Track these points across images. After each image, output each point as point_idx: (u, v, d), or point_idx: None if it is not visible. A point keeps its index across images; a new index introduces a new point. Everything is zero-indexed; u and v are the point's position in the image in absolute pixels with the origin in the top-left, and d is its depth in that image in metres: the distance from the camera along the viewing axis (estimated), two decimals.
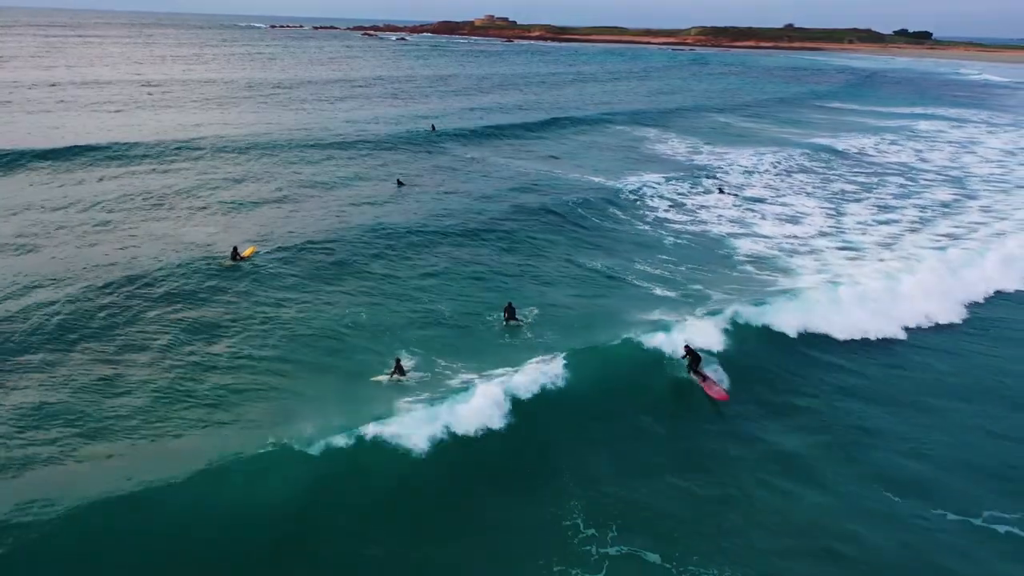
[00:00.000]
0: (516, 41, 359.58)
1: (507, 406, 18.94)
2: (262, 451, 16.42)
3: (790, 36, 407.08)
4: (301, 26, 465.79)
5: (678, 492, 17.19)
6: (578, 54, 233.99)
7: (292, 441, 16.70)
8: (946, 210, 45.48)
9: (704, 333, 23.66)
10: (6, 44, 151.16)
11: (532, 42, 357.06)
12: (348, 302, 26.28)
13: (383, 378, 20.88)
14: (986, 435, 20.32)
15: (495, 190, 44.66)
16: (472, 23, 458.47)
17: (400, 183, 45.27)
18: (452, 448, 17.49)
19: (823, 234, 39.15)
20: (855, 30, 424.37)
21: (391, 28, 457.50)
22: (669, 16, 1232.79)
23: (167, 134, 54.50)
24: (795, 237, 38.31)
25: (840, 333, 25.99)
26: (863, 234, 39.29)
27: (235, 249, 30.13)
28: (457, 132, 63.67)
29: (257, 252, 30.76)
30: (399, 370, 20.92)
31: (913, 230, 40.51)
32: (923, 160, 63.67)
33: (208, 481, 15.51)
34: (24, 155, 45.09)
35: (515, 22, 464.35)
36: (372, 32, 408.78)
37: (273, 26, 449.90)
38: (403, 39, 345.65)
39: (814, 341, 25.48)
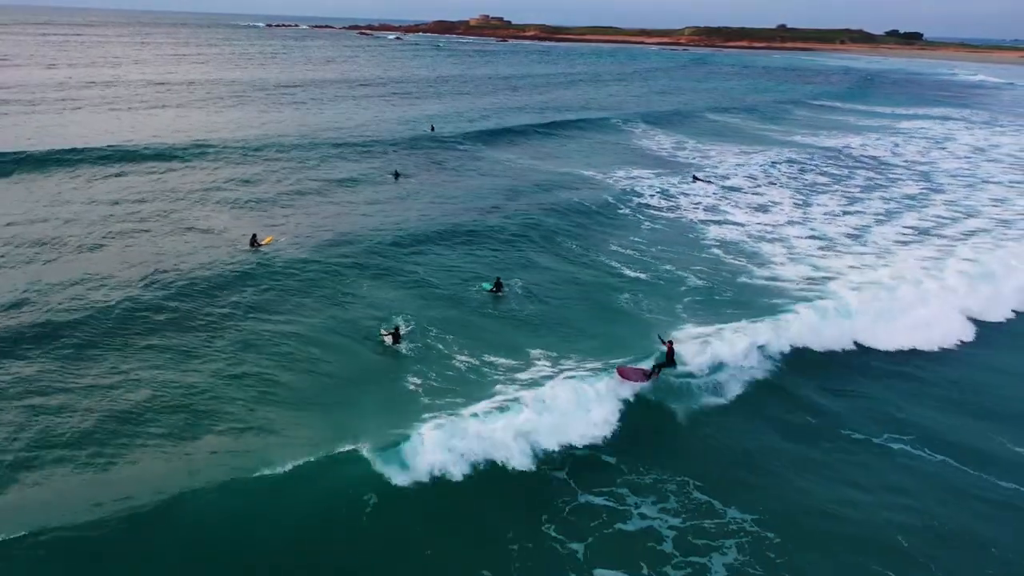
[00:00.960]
0: (511, 41, 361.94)
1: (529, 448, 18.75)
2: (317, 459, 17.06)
3: (783, 36, 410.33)
4: (297, 25, 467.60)
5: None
6: (575, 54, 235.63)
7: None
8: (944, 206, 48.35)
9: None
10: (3, 43, 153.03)
11: (527, 42, 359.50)
12: (356, 276, 28.94)
13: (386, 337, 23.61)
14: None
15: (490, 183, 47.45)
16: (467, 23, 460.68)
17: (397, 175, 47.94)
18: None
19: (792, 223, 41.97)
20: (847, 31, 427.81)
21: (386, 27, 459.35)
22: (663, 16, 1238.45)
23: (180, 135, 56.00)
24: (766, 225, 41.12)
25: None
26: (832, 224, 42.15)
27: (254, 236, 32.54)
28: (455, 132, 65.83)
29: (276, 240, 33.10)
30: (396, 338, 23.63)
31: (880, 222, 43.43)
32: (932, 163, 65.55)
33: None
34: (27, 158, 45.73)
35: (509, 22, 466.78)
36: (368, 31, 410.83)
37: (270, 25, 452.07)
38: (399, 38, 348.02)
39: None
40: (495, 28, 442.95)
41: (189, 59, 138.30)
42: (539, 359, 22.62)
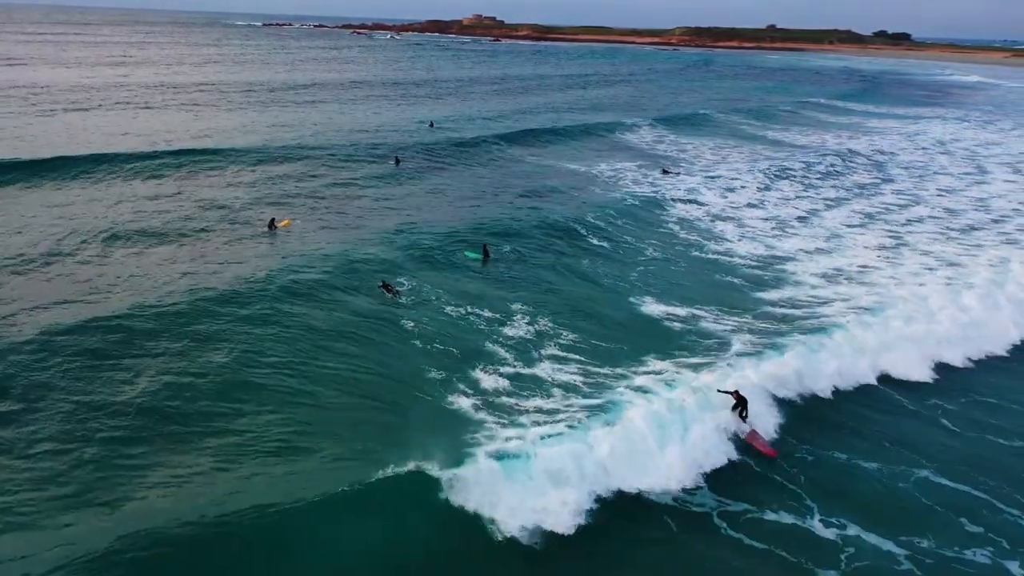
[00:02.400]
0: (504, 40, 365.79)
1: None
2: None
3: (772, 37, 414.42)
4: (291, 24, 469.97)
5: None
6: (575, 55, 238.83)
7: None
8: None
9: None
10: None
11: (519, 41, 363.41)
12: (362, 246, 33.07)
13: (384, 290, 28.00)
14: None
15: (484, 171, 51.81)
16: (460, 22, 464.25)
17: (398, 160, 52.08)
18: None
19: (751, 205, 46.43)
20: (835, 31, 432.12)
21: (380, 27, 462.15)
22: (653, 16, 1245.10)
23: (187, 138, 57.64)
24: (731, 206, 45.55)
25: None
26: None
27: (272, 220, 36.43)
28: (453, 128, 70.04)
29: (293, 222, 36.98)
30: (395, 293, 27.89)
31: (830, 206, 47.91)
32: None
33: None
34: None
35: (502, 21, 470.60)
36: (362, 31, 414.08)
37: (267, 24, 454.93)
38: (393, 37, 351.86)
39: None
40: (488, 28, 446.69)
41: (191, 60, 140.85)
42: (518, 313, 26.85)
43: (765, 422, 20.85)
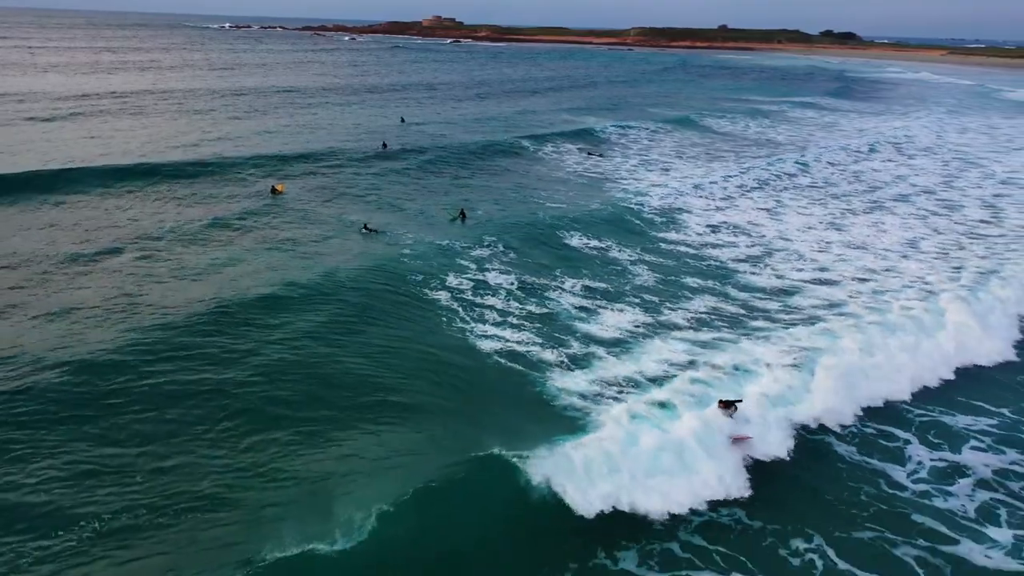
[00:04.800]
0: (464, 41, 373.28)
1: None
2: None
3: (724, 37, 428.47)
4: (250, 26, 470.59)
5: None
6: (545, 56, 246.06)
7: None
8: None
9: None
10: None
11: (479, 42, 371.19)
12: (355, 210, 41.22)
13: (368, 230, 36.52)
14: None
15: (478, 139, 60.20)
16: (420, 23, 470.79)
17: (385, 144, 59.86)
18: None
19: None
20: (784, 31, 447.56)
21: (340, 28, 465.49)
22: (608, 16, 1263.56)
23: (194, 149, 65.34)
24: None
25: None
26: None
27: (273, 187, 44.73)
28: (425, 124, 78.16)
29: (285, 187, 45.21)
30: (373, 231, 36.64)
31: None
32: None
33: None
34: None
35: (461, 23, 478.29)
36: (321, 32, 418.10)
37: (235, 27, 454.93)
38: (353, 39, 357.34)
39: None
40: (448, 29, 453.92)
41: (157, 65, 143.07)
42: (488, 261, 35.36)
43: None
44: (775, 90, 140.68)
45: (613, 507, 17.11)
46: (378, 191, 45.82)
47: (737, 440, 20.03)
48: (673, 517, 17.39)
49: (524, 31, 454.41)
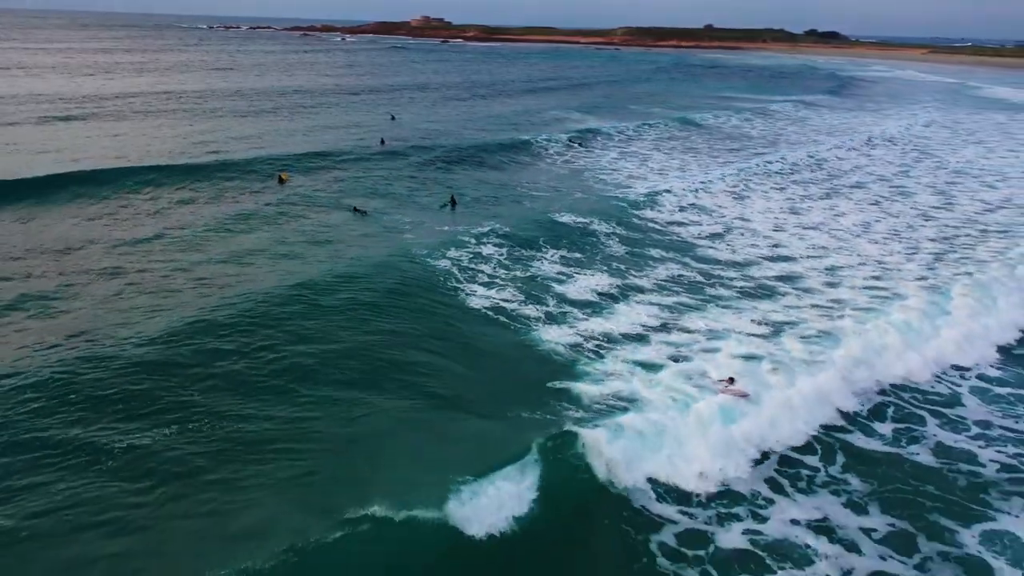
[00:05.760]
0: (453, 41, 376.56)
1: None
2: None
3: (710, 36, 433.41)
4: (239, 27, 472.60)
5: None
6: (528, 55, 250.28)
7: None
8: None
9: None
10: None
11: (468, 42, 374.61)
12: (356, 198, 45.03)
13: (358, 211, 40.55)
14: None
15: (467, 134, 64.03)
16: (409, 24, 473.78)
17: (383, 141, 63.38)
18: None
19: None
20: (769, 30, 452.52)
21: (329, 28, 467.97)
22: (595, 15, 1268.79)
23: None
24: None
25: None
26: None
27: (280, 176, 48.81)
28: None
29: (290, 176, 49.25)
30: (362, 212, 40.61)
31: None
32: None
33: None
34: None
35: (450, 23, 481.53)
36: (310, 32, 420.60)
37: (211, 27, 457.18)
38: (344, 39, 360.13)
39: None
40: (436, 29, 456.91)
41: (153, 67, 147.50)
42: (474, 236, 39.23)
43: None
44: (768, 89, 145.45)
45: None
46: (376, 182, 49.50)
47: (730, 391, 21.70)
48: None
49: (512, 31, 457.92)
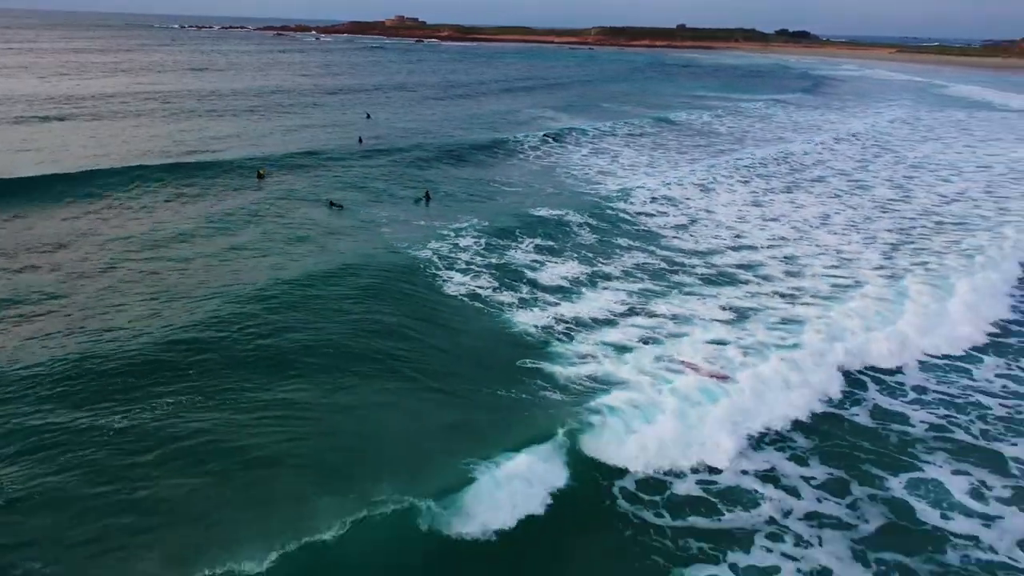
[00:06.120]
0: (428, 41, 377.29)
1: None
2: None
3: (683, 35, 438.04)
4: (211, 26, 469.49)
5: None
6: (503, 55, 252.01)
7: None
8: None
9: None
10: None
11: (443, 42, 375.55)
12: (336, 193, 46.60)
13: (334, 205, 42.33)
14: None
15: (443, 133, 65.65)
16: (383, 23, 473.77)
17: (360, 140, 65.05)
18: None
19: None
20: (741, 30, 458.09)
21: (303, 28, 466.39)
22: (569, 16, 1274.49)
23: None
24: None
25: None
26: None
27: (259, 171, 50.25)
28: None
29: (268, 172, 50.70)
30: (338, 206, 42.35)
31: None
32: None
33: None
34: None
35: (424, 22, 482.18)
36: (284, 32, 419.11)
37: (183, 26, 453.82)
38: (318, 38, 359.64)
39: None
40: (411, 28, 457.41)
41: (128, 67, 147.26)
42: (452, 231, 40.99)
43: None
44: (742, 88, 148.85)
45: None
46: (354, 179, 50.96)
47: (712, 374, 23.23)
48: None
49: (486, 30, 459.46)
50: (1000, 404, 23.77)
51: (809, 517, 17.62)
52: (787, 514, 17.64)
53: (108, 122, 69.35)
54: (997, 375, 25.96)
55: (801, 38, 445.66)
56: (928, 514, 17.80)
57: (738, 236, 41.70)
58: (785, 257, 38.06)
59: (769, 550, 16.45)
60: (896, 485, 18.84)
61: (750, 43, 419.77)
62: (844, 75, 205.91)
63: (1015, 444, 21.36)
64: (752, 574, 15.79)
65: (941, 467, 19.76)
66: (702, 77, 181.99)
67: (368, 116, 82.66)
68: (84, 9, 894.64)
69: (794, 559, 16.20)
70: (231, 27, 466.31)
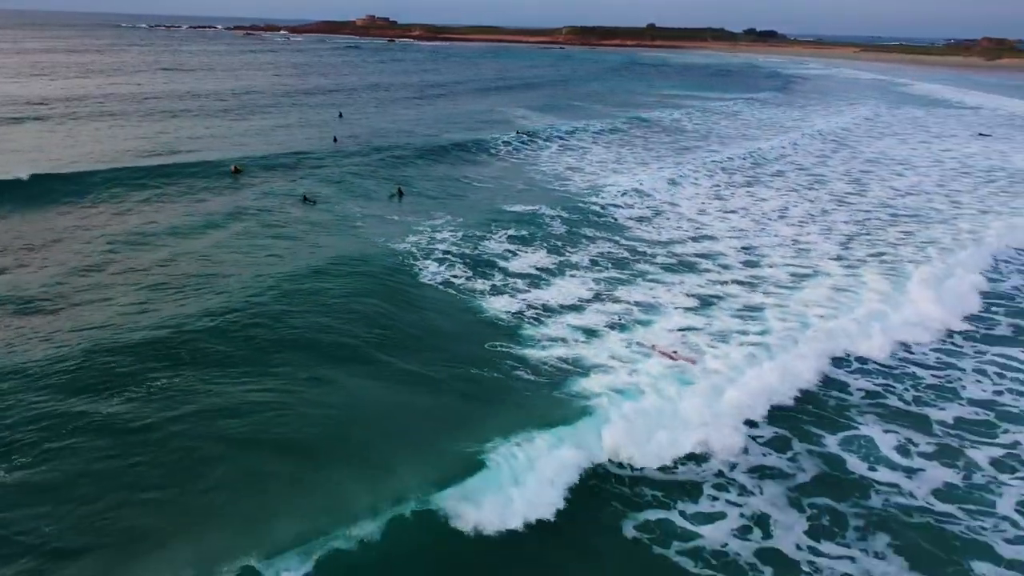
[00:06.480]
0: (399, 40, 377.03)
1: None
2: None
3: (652, 35, 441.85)
4: (180, 26, 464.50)
5: None
6: (474, 55, 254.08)
7: None
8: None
9: None
10: None
11: (415, 41, 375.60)
12: (304, 185, 48.04)
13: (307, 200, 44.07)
14: None
15: (418, 132, 67.13)
16: (354, 23, 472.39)
17: (335, 139, 66.47)
18: None
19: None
20: (710, 29, 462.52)
21: (272, 28, 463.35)
22: (540, 15, 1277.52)
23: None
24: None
25: None
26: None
27: (233, 167, 51.77)
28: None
29: (239, 168, 52.23)
30: (311, 202, 43.94)
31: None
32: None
33: None
34: None
35: (395, 22, 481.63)
36: (253, 32, 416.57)
37: (151, 26, 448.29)
38: (287, 38, 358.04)
39: None
40: (382, 28, 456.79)
41: (99, 69, 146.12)
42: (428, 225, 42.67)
43: None
44: (714, 87, 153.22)
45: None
46: (329, 175, 52.57)
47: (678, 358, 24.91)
48: None
49: (457, 30, 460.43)
50: (932, 375, 26.07)
51: (752, 470, 19.66)
52: (733, 467, 19.62)
53: (86, 123, 70.03)
54: (932, 350, 28.30)
55: (769, 37, 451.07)
56: (857, 466, 19.95)
57: (699, 228, 43.80)
58: (744, 248, 40.13)
59: (715, 498, 18.42)
60: (832, 442, 21.00)
61: (719, 43, 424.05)
62: (811, 73, 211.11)
63: (943, 409, 23.61)
64: (699, 519, 17.75)
65: (873, 427, 21.95)
66: (674, 76, 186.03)
67: (340, 115, 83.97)
68: (50, 8, 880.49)
69: (737, 505, 18.22)
70: (200, 27, 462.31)
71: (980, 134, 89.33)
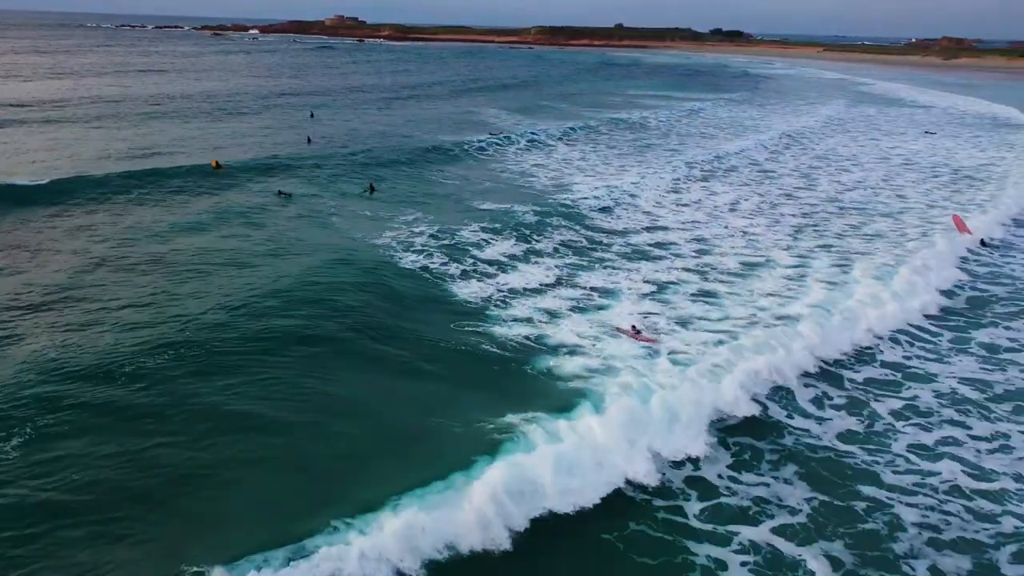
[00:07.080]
0: (369, 40, 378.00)
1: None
2: None
3: (621, 35, 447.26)
4: (145, 26, 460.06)
5: None
6: (444, 55, 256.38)
7: None
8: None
9: None
10: None
11: (385, 41, 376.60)
12: (286, 186, 50.61)
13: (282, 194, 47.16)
14: None
15: (392, 132, 69.79)
16: (323, 23, 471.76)
17: (309, 140, 68.99)
18: None
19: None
20: (677, 29, 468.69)
21: (240, 27, 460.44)
22: (508, 15, 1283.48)
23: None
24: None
25: None
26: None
27: (214, 162, 54.55)
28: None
29: (220, 164, 54.81)
30: (286, 195, 47.01)
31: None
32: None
33: None
34: None
35: (364, 22, 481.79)
36: (221, 32, 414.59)
37: (117, 26, 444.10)
38: (255, 38, 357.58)
39: None
40: (351, 28, 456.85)
41: (69, 71, 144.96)
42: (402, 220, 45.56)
43: None
44: (685, 86, 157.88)
45: None
46: (304, 173, 55.22)
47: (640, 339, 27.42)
48: None
49: (426, 30, 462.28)
50: (855, 344, 29.39)
51: None
52: None
53: (65, 127, 71.43)
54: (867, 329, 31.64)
55: (735, 37, 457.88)
56: (777, 412, 23.44)
57: (655, 219, 47.25)
58: (696, 238, 43.45)
59: None
60: (759, 393, 24.39)
61: (686, 42, 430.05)
62: (776, 73, 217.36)
63: (858, 372, 27.15)
64: None
65: (795, 381, 25.44)
66: (645, 76, 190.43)
67: (312, 114, 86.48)
68: (5, 8, 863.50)
69: None
70: (166, 27, 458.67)
71: (926, 132, 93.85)
